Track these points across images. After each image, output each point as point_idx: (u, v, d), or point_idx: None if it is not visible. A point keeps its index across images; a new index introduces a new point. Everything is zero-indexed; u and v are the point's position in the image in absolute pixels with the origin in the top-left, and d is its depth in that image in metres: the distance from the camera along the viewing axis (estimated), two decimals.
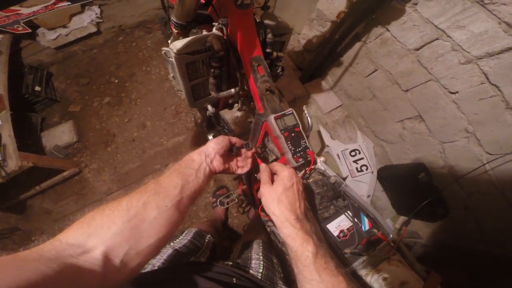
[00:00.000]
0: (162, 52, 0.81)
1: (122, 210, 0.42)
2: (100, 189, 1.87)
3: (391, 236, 0.68)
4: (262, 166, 0.62)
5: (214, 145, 0.62)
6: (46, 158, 1.77)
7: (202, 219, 1.81)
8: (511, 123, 1.09)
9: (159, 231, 0.44)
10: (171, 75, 0.86)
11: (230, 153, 0.69)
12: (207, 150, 0.60)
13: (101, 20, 2.39)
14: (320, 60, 1.86)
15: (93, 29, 2.34)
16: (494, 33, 1.03)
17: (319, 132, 1.99)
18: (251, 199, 1.11)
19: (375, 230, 0.69)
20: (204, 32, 0.83)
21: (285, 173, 0.58)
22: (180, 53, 0.76)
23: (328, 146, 1.93)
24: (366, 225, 0.71)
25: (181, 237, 0.89)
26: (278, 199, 0.53)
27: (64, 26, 2.21)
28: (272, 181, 0.59)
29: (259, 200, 0.83)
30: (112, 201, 0.44)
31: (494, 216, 1.31)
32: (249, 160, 0.72)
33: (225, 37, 0.82)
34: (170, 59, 0.79)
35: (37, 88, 2.01)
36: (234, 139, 0.68)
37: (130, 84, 2.25)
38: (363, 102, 1.89)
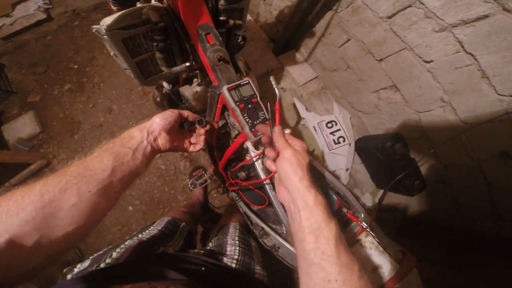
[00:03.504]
0: (94, 30, 0.72)
1: (34, 196, 0.37)
2: None
3: (362, 216, 0.65)
4: (278, 129, 0.53)
5: (159, 120, 0.56)
6: (6, 153, 1.67)
7: (181, 202, 1.78)
8: (487, 92, 1.06)
9: (79, 219, 0.39)
10: (112, 53, 0.78)
11: (181, 128, 0.63)
12: (151, 126, 0.55)
13: (51, 6, 2.22)
14: (291, 31, 1.77)
15: (42, 16, 2.18)
16: None
17: (294, 105, 1.94)
18: (222, 178, 1.08)
19: (345, 210, 0.66)
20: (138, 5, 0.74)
21: (305, 145, 0.53)
22: (111, 29, 0.68)
23: (304, 118, 1.89)
24: (334, 204, 0.68)
25: (151, 227, 0.85)
26: (307, 166, 0.48)
27: (8, 15, 2.06)
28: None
29: (228, 177, 0.78)
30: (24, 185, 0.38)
31: (470, 191, 1.31)
32: (202, 138, 0.66)
33: (165, 7, 0.73)
34: (104, 36, 0.70)
35: None
36: (186, 113, 0.62)
37: (91, 68, 2.13)
38: (337, 73, 1.84)
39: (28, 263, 0.36)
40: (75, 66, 2.15)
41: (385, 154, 1.57)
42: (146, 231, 0.81)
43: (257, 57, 2.01)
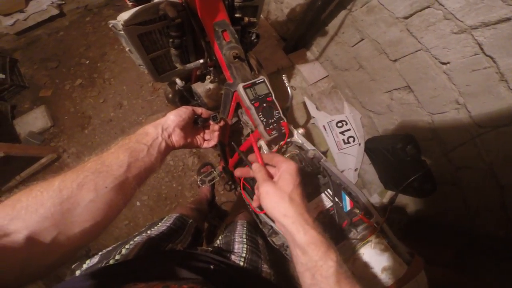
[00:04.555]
0: (110, 26, 0.72)
1: (53, 191, 0.36)
2: None
3: (374, 217, 0.63)
4: (255, 166, 0.50)
5: (173, 117, 0.55)
6: (19, 146, 1.70)
7: (188, 198, 1.79)
8: (505, 95, 1.03)
9: (96, 215, 0.39)
10: (127, 49, 0.78)
11: (195, 125, 0.63)
12: (165, 123, 0.54)
13: (64, 2, 2.24)
14: (303, 29, 1.75)
15: (55, 12, 2.20)
16: (491, 2, 0.94)
17: (304, 104, 1.93)
18: (231, 175, 1.07)
19: (357, 211, 0.64)
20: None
21: (291, 166, 0.47)
22: (128, 24, 0.67)
23: (313, 117, 1.87)
24: (347, 205, 0.66)
25: (160, 224, 0.85)
26: (290, 197, 0.42)
27: (21, 11, 2.07)
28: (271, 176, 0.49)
29: (239, 178, 0.78)
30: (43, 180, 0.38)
31: (481, 193, 1.28)
32: (216, 134, 0.66)
33: (182, 3, 0.73)
34: (120, 32, 0.70)
35: (1, 76, 1.91)
36: (200, 110, 0.62)
37: (102, 64, 2.16)
38: (349, 73, 1.81)
39: (45, 260, 0.35)
40: (87, 62, 2.17)
41: (395, 155, 1.55)
42: (155, 227, 0.81)
43: (268, 55, 1.99)
